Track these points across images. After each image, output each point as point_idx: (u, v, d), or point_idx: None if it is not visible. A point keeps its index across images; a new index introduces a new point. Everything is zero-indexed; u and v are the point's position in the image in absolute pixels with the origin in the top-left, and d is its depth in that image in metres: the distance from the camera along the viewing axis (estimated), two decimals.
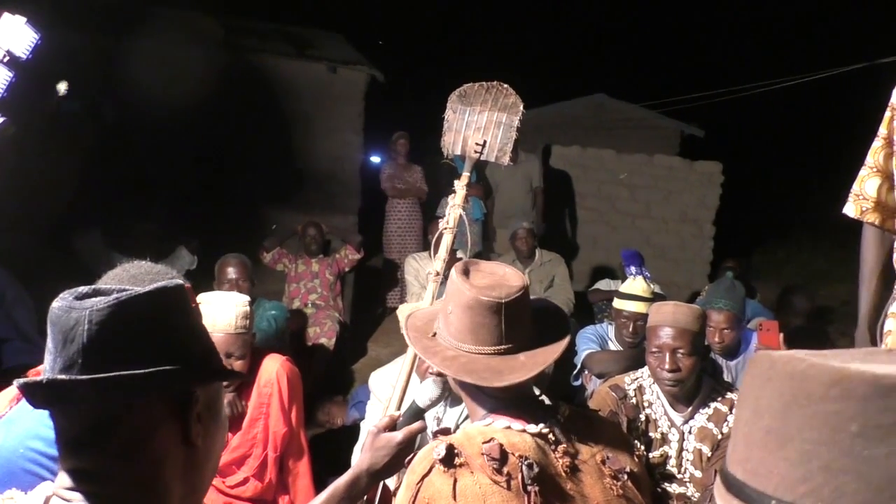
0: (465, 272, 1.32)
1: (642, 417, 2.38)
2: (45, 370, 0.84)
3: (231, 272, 3.73)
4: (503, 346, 1.27)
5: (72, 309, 0.82)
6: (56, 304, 0.84)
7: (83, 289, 0.87)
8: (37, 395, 0.83)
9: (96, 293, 0.86)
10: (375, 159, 9.87)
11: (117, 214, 5.70)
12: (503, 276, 1.32)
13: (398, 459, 1.37)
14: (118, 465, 0.85)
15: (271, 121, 6.92)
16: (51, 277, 4.03)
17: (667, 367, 2.25)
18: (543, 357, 1.28)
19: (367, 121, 7.37)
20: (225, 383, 2.19)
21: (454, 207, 2.16)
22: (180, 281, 0.94)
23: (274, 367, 2.34)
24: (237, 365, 2.20)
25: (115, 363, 0.81)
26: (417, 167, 6.23)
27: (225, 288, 3.62)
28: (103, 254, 4.56)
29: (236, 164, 6.86)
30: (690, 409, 2.34)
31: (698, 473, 2.30)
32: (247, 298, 2.28)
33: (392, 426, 1.41)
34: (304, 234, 5.22)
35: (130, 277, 1.54)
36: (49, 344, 0.84)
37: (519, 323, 1.29)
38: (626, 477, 1.28)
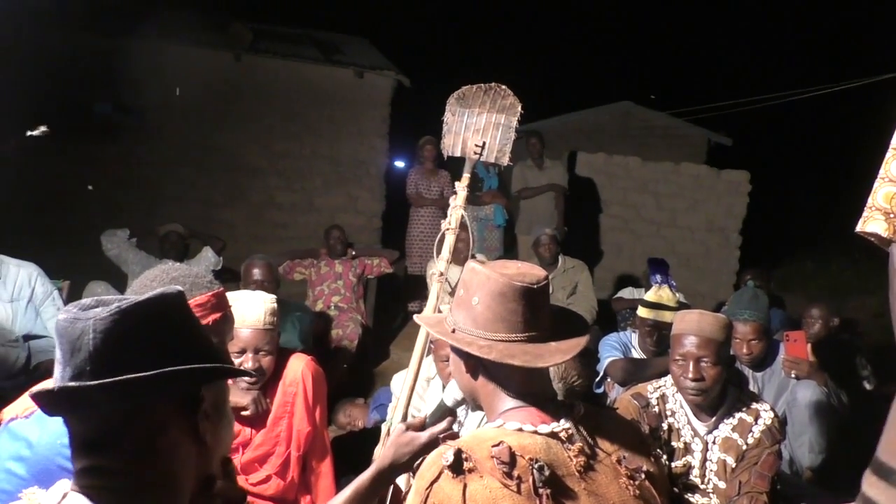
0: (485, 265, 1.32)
1: (665, 426, 2.36)
2: (56, 379, 0.88)
3: (257, 273, 3.78)
4: (534, 333, 1.27)
5: (77, 320, 0.86)
6: (62, 316, 0.88)
7: (86, 301, 0.90)
8: (49, 403, 0.86)
9: (99, 304, 0.90)
10: (400, 164, 9.91)
11: (144, 215, 5.79)
12: (524, 267, 1.32)
13: (420, 455, 1.40)
14: (131, 463, 0.89)
15: (298, 125, 7.00)
16: (79, 276, 4.11)
17: (690, 375, 2.23)
18: (576, 343, 1.29)
19: (392, 126, 7.41)
20: (252, 380, 2.23)
21: (456, 208, 2.17)
22: (179, 288, 0.97)
23: (299, 367, 2.36)
24: (265, 361, 2.23)
25: (121, 369, 0.84)
26: (445, 172, 6.24)
27: (251, 289, 3.65)
28: (130, 254, 4.62)
29: (262, 167, 6.94)
30: (714, 419, 2.31)
31: (722, 484, 2.28)
32: (274, 296, 2.31)
33: (421, 427, 1.43)
34: (329, 236, 5.28)
35: (171, 280, 1.58)
36: (58, 354, 0.88)
37: (544, 312, 1.30)
38: (642, 476, 1.26)
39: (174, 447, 0.92)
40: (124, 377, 0.83)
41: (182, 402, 0.93)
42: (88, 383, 0.83)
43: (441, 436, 1.39)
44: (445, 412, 1.46)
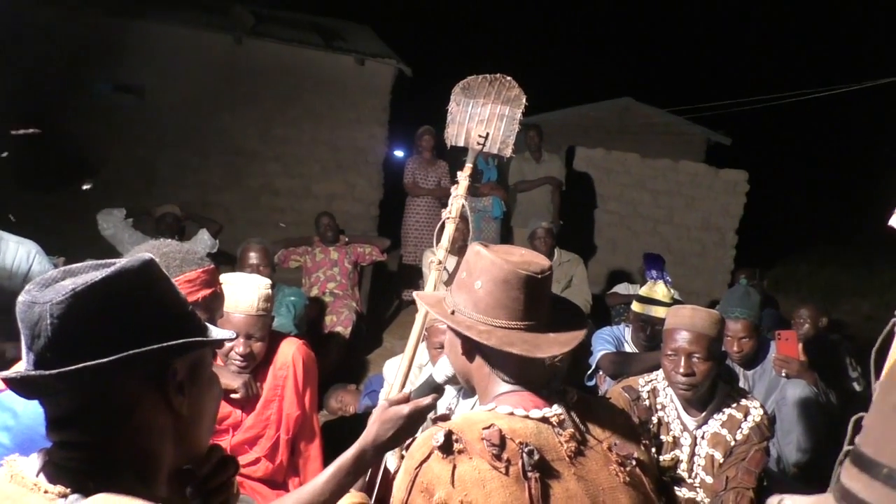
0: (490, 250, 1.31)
1: (654, 420, 2.37)
2: (23, 363, 0.87)
3: (253, 257, 3.77)
4: (533, 322, 1.26)
5: (34, 303, 0.84)
6: (20, 298, 0.86)
7: (51, 274, 0.88)
8: (17, 389, 0.86)
9: (66, 275, 0.88)
10: (399, 153, 9.89)
11: (141, 195, 5.77)
12: (528, 255, 1.31)
13: (404, 432, 1.37)
14: (103, 438, 0.88)
15: (297, 110, 6.98)
16: (75, 254, 4.10)
17: (681, 370, 2.24)
18: (574, 336, 1.29)
19: (392, 114, 7.40)
20: (242, 364, 2.23)
21: (457, 198, 2.17)
22: (148, 256, 0.94)
23: (290, 351, 2.36)
24: (256, 346, 2.23)
25: (82, 353, 0.82)
26: (443, 162, 6.24)
27: (246, 272, 3.65)
28: (126, 234, 4.61)
29: (260, 152, 6.92)
30: (704, 414, 2.32)
31: (709, 479, 2.29)
32: (268, 281, 2.30)
33: (405, 402, 1.40)
34: (318, 224, 5.28)
35: (161, 255, 1.58)
36: (22, 338, 0.87)
37: (545, 302, 1.30)
38: (633, 463, 1.27)
39: (147, 422, 0.91)
40: (82, 365, 0.82)
41: (152, 377, 0.91)
42: (48, 372, 0.82)
43: (433, 418, 1.38)
44: (432, 388, 1.44)
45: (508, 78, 2.24)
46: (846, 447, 0.85)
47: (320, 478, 1.34)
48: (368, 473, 1.58)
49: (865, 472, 0.60)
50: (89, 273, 0.88)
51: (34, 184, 5.67)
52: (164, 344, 0.89)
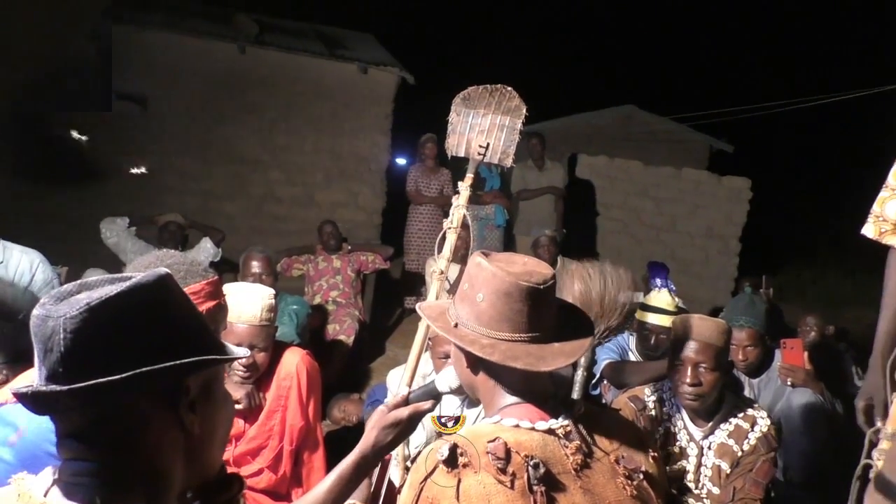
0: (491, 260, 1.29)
1: (661, 430, 2.36)
2: (35, 378, 0.86)
3: (255, 266, 3.76)
4: (538, 334, 1.25)
5: (48, 317, 0.82)
6: (35, 311, 0.84)
7: (66, 287, 0.86)
8: (28, 404, 0.85)
9: (82, 289, 0.86)
10: (401, 161, 9.90)
11: (144, 204, 5.78)
12: (531, 264, 1.30)
13: (402, 435, 1.37)
14: (113, 456, 0.87)
15: (300, 119, 6.98)
16: (78, 263, 4.10)
17: (688, 380, 2.22)
18: (580, 345, 1.27)
19: (395, 122, 7.40)
20: (245, 375, 2.21)
21: (458, 207, 2.17)
22: (164, 271, 0.92)
23: (294, 361, 2.35)
24: (260, 357, 2.22)
25: (94, 369, 0.81)
26: (445, 171, 6.24)
27: (249, 281, 3.64)
28: (129, 242, 4.60)
29: (263, 160, 6.92)
30: (711, 424, 2.30)
31: (716, 490, 2.27)
32: (272, 291, 2.29)
33: (404, 405, 1.40)
34: (321, 232, 5.27)
35: (165, 266, 1.56)
36: (35, 352, 0.85)
37: (549, 312, 1.27)
38: (641, 477, 1.25)
39: (158, 440, 0.90)
40: (94, 382, 0.80)
41: (165, 395, 0.89)
42: (57, 389, 0.81)
43: (436, 431, 1.37)
44: (432, 395, 1.42)
45: (508, 88, 2.24)
46: (863, 461, 0.84)
47: (321, 487, 1.33)
48: (373, 486, 1.57)
49: (891, 500, 0.58)
50: (104, 287, 0.87)
51: (36, 192, 5.68)
52: (179, 361, 0.87)
